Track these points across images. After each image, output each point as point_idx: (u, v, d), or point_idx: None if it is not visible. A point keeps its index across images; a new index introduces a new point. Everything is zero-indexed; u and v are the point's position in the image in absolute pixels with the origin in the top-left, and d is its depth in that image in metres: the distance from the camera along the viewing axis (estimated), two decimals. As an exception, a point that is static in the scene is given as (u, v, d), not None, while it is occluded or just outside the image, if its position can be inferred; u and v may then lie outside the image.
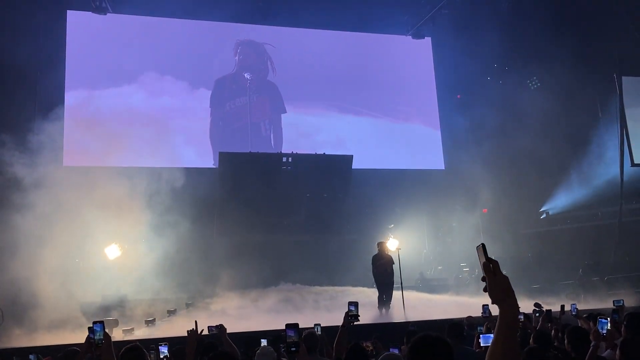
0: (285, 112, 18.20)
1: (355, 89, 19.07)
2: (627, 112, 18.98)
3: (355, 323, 5.16)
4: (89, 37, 16.96)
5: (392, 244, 14.23)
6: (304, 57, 18.69)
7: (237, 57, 18.21)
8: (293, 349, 3.74)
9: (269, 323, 9.38)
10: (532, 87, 18.97)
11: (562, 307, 8.45)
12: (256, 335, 6.55)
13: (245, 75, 18.07)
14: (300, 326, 4.23)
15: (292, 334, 3.77)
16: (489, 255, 1.85)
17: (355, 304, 4.95)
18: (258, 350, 5.26)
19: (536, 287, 14.80)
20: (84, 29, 16.96)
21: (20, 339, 9.94)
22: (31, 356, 4.86)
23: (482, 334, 6.05)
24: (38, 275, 11.55)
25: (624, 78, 18.91)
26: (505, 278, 1.84)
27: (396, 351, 4.91)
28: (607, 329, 4.86)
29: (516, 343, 1.84)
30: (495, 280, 1.83)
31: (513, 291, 1.84)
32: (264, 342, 6.10)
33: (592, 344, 4.64)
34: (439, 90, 19.84)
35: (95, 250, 13.95)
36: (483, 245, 1.87)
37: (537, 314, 7.95)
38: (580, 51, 17.72)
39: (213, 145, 17.39)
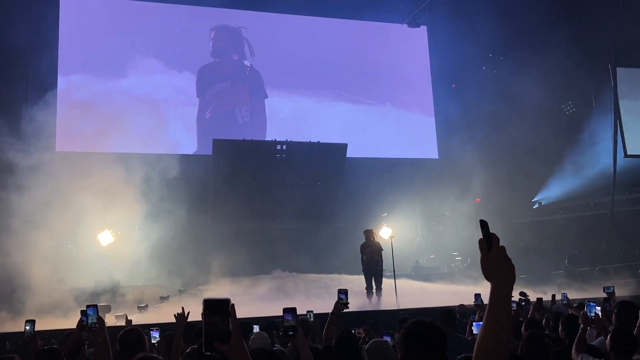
0: (267, 97, 18.05)
1: (350, 76, 19.01)
2: (621, 103, 19.02)
3: (346, 310, 5.16)
4: (82, 20, 16.79)
5: (385, 233, 14.28)
6: (299, 44, 18.60)
7: (210, 43, 18.01)
8: (290, 332, 3.75)
9: (261, 310, 9.41)
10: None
11: (553, 296, 8.52)
12: (249, 322, 6.56)
13: (245, 62, 17.88)
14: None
15: (290, 318, 3.77)
16: (491, 231, 1.81)
17: (345, 292, 4.95)
18: (252, 336, 5.27)
19: (528, 277, 14.85)
20: (77, 12, 16.79)
21: (6, 323, 9.89)
22: (27, 324, 4.83)
23: (474, 321, 6.08)
24: (30, 260, 11.52)
25: (618, 69, 18.92)
26: (499, 254, 1.79)
27: (388, 338, 4.93)
28: (596, 313, 4.91)
29: (508, 325, 1.77)
30: (487, 256, 1.80)
31: (507, 267, 1.79)
32: (256, 329, 6.11)
33: (580, 327, 4.67)
34: (434, 79, 19.81)
35: (88, 236, 13.91)
36: (480, 221, 1.83)
37: (524, 303, 8.02)
38: (575, 41, 17.70)
39: (198, 133, 17.32)
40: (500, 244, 1.83)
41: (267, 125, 17.96)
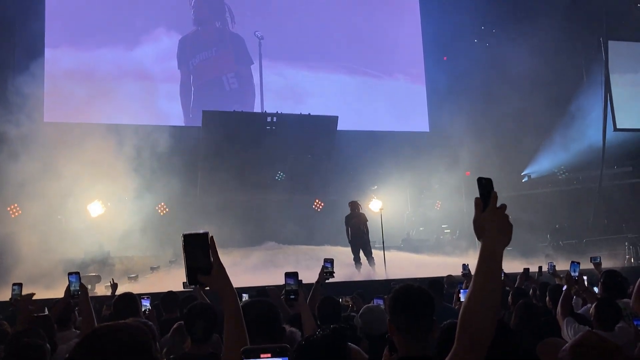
0: (253, 63, 17.79)
1: (341, 47, 18.77)
2: (612, 76, 19.02)
3: (336, 280, 5.19)
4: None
5: (375, 205, 14.32)
6: (288, 12, 18.30)
7: (192, 11, 17.50)
8: (292, 297, 3.79)
9: (251, 280, 9.46)
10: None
11: (540, 268, 8.60)
12: (238, 291, 6.60)
13: (256, 33, 17.55)
14: (281, 283, 4.24)
15: (292, 283, 3.81)
16: (490, 190, 1.75)
17: (330, 261, 4.97)
18: (241, 304, 5.28)
19: (515, 249, 14.99)
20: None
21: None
22: (14, 286, 4.85)
23: (462, 289, 6.15)
24: (19, 231, 11.49)
25: (610, 42, 18.88)
26: (495, 213, 1.72)
27: (380, 302, 4.98)
28: (580, 274, 5.00)
29: (496, 285, 1.69)
30: (480, 215, 1.73)
31: (502, 226, 1.71)
32: (245, 297, 6.14)
33: (563, 287, 4.74)
34: (426, 50, 19.68)
35: (78, 207, 13.86)
36: (478, 179, 1.76)
37: None
38: (567, 14, 17.62)
39: (183, 104, 17.11)
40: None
41: (258, 96, 17.76)
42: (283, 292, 5.22)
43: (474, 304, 1.67)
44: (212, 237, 1.82)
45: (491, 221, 1.72)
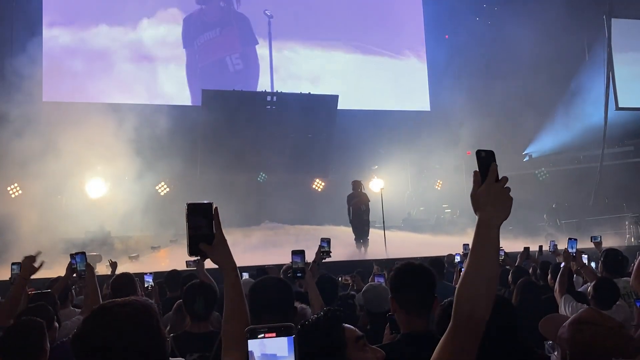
0: (258, 43, 17.61)
1: (342, 24, 18.59)
2: (615, 54, 18.83)
3: (337, 260, 5.19)
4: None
5: (376, 185, 14.33)
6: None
7: None
8: (299, 274, 3.80)
9: (251, 259, 9.47)
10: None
11: (540, 247, 8.61)
12: (239, 270, 6.59)
13: (266, 12, 17.33)
14: (280, 262, 4.24)
15: (298, 260, 3.81)
16: (490, 164, 1.67)
17: (327, 241, 4.97)
18: (243, 281, 5.30)
19: (516, 229, 15.01)
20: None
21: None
22: (13, 266, 4.87)
23: (462, 266, 6.14)
24: (19, 211, 11.49)
25: (613, 20, 18.68)
26: (494, 186, 1.65)
27: (381, 279, 4.99)
28: (577, 251, 5.00)
29: (493, 260, 1.62)
30: (477, 189, 1.67)
31: (501, 199, 1.65)
32: (245, 276, 6.16)
33: (561, 264, 4.75)
34: (427, 29, 19.51)
35: (79, 187, 13.85)
36: (477, 152, 1.69)
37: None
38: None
39: (189, 84, 16.98)
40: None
41: (267, 76, 17.54)
42: (282, 270, 5.23)
43: (470, 278, 1.62)
44: (216, 207, 1.81)
45: (487, 194, 1.65)
